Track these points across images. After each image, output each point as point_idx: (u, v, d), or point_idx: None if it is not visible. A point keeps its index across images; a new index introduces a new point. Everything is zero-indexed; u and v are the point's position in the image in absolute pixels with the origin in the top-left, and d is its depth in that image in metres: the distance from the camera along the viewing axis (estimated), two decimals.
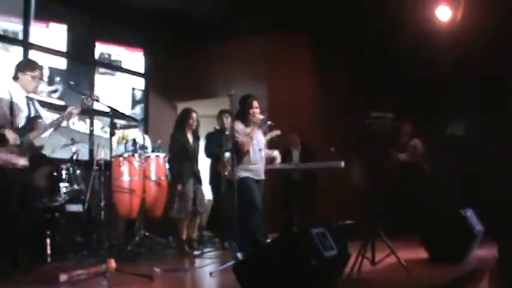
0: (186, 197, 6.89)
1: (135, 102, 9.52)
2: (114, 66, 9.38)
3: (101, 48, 9.08)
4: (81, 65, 8.64)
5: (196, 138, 7.19)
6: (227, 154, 7.27)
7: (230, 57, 9.72)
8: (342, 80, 9.34)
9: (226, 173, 7.34)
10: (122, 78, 9.30)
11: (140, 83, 9.82)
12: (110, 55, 9.11)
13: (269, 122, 5.89)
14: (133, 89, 9.47)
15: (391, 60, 9.06)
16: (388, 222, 5.76)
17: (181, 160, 6.97)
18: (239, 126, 5.75)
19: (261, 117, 5.76)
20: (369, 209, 5.76)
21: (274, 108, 6.14)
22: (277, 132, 6.68)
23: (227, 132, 7.35)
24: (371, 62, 9.21)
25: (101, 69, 8.98)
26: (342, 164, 7.27)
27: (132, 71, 9.77)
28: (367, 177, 7.44)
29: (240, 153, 5.68)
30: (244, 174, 5.66)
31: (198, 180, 7.12)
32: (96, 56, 8.97)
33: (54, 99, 7.99)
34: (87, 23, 8.70)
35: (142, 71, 9.89)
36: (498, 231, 4.99)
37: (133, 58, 9.69)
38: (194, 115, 7.09)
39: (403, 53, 8.61)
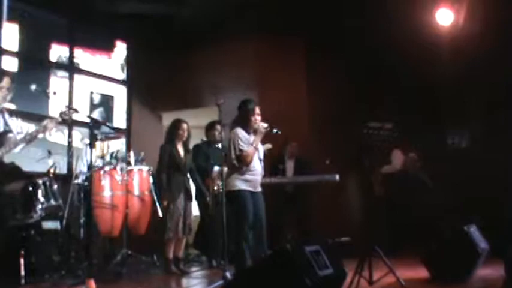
0: (176, 214, 6.81)
1: (93, 106, 9.36)
2: (93, 73, 9.32)
3: (66, 52, 8.96)
4: (35, 67, 8.45)
5: (187, 151, 7.11)
6: (216, 168, 7.23)
7: (218, 64, 9.72)
8: (339, 87, 9.34)
9: (215, 188, 7.29)
10: (80, 81, 9.14)
11: (106, 88, 9.72)
12: (68, 57, 8.95)
13: (276, 131, 5.71)
14: (91, 92, 9.33)
15: (389, 67, 9.06)
16: (386, 239, 5.86)
17: (171, 174, 6.91)
18: (242, 133, 5.66)
19: (265, 125, 5.67)
20: (365, 224, 5.74)
21: (266, 118, 5.85)
22: (268, 146, 6.66)
23: (218, 145, 7.28)
24: (369, 69, 9.21)
25: (59, 73, 8.82)
26: (337, 177, 7.28)
27: (113, 78, 9.76)
28: (362, 191, 7.41)
29: (240, 163, 5.60)
30: (240, 185, 5.58)
31: (188, 197, 7.05)
32: (54, 58, 8.80)
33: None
34: (48, 23, 8.59)
35: (123, 77, 9.90)
36: (504, 248, 4.91)
37: (110, 63, 9.65)
38: (185, 126, 7.01)
39: (403, 60, 8.63)
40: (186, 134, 6.97)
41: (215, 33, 9.30)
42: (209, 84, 9.80)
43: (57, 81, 8.77)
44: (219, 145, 7.15)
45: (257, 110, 5.69)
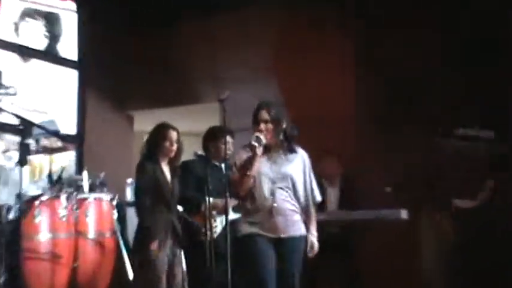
0: (158, 271, 6.05)
1: None
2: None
3: None
4: None
5: (176, 173, 6.43)
6: (212, 200, 6.32)
7: (220, 42, 9.18)
8: (406, 78, 8.18)
9: (214, 231, 6.47)
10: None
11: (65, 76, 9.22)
12: None
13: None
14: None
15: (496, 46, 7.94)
16: None
17: (152, 207, 6.14)
18: (242, 153, 5.31)
19: (253, 138, 5.20)
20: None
21: (293, 121, 5.44)
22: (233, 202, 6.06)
23: (220, 164, 6.66)
24: (462, 50, 8.12)
25: None
26: (405, 213, 6.52)
27: (58, 58, 9.03)
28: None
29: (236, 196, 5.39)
30: (245, 228, 5.22)
31: (178, 243, 6.26)
32: None
33: None
34: None
35: (74, 57, 9.26)
36: None
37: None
38: (174, 135, 6.24)
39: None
40: (175, 148, 6.24)
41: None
42: (207, 71, 9.32)
43: None
44: (222, 164, 6.57)
45: (262, 114, 5.31)
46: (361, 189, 7.73)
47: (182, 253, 6.53)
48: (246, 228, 5.26)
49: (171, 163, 6.44)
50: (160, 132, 6.37)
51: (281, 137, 5.29)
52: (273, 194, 5.23)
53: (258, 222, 5.24)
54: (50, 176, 6.84)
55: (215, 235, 6.33)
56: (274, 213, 5.23)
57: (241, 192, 5.30)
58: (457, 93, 8.10)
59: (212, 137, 6.99)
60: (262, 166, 5.31)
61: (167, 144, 6.28)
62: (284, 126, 5.30)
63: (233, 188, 5.36)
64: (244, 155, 5.32)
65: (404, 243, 7.67)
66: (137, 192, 6.40)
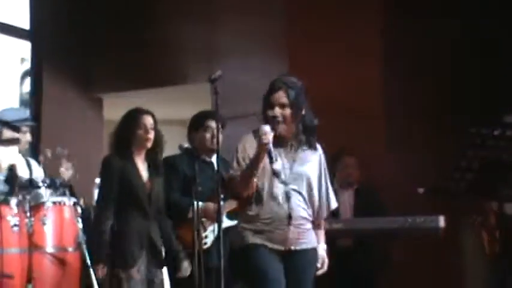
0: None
1: None
2: None
3: None
4: None
5: (156, 170, 6.04)
6: (201, 204, 5.97)
7: (211, 8, 8.63)
8: (442, 63, 7.87)
9: (205, 242, 6.11)
10: None
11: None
12: None
13: (273, 158, 4.86)
14: None
15: None
16: None
17: (124, 215, 5.86)
18: (249, 147, 4.90)
19: (266, 130, 4.80)
20: None
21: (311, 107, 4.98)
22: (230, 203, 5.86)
23: (211, 159, 6.27)
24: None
25: None
26: (441, 221, 6.15)
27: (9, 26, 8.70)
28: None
29: (233, 197, 5.24)
30: (249, 237, 4.84)
31: (155, 257, 5.89)
32: None
33: None
34: None
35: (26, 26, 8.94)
36: None
37: None
38: (148, 120, 5.84)
39: None
40: (151, 136, 5.83)
41: None
42: (194, 44, 8.83)
43: None
44: (213, 158, 6.18)
45: (279, 96, 4.88)
46: (377, 193, 7.34)
47: (165, 275, 6.15)
48: (249, 237, 4.80)
49: (150, 158, 5.99)
50: (131, 119, 5.92)
51: (300, 127, 4.78)
52: (288, 198, 4.73)
53: (265, 231, 4.78)
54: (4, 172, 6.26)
55: (205, 247, 5.84)
56: (287, 221, 4.78)
57: (244, 193, 4.84)
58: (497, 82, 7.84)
59: (197, 126, 6.41)
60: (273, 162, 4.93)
61: (141, 131, 5.81)
62: (304, 113, 4.78)
63: (233, 188, 4.94)
64: (248, 144, 4.90)
65: (441, 257, 7.27)
66: (98, 195, 6.07)
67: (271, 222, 4.79)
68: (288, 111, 4.72)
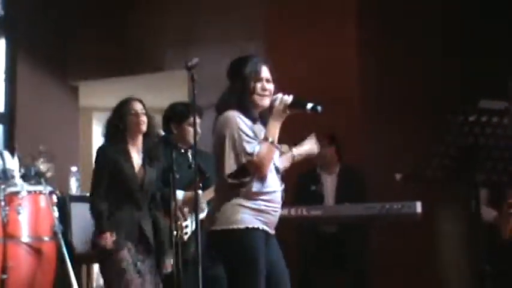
0: (121, 261, 5.76)
1: None
2: None
3: None
4: None
5: (151, 159, 6.14)
6: (181, 193, 6.07)
7: None
8: (421, 45, 8.00)
9: (185, 232, 6.14)
10: None
11: None
12: None
13: (313, 106, 4.74)
14: None
15: None
16: None
17: (116, 201, 5.89)
18: (243, 121, 4.75)
19: (288, 99, 4.68)
20: None
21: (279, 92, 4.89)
22: (285, 148, 5.42)
23: (187, 149, 6.31)
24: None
25: None
26: (418, 207, 6.17)
27: None
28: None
29: (247, 179, 4.71)
30: (247, 219, 4.63)
31: (145, 246, 5.91)
32: None
33: None
34: None
35: None
36: None
37: None
38: (139, 106, 6.01)
39: None
40: (144, 119, 5.98)
41: None
42: (171, 31, 8.90)
43: None
44: (189, 150, 6.31)
45: (264, 72, 4.81)
46: (364, 175, 7.34)
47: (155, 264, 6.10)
48: (249, 218, 4.65)
49: (147, 145, 6.06)
50: (121, 107, 5.99)
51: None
52: (277, 170, 4.76)
53: (263, 213, 4.69)
54: None
55: (186, 236, 5.93)
56: (274, 201, 4.75)
57: (266, 171, 4.71)
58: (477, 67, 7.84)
59: (181, 118, 6.41)
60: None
61: (131, 117, 5.89)
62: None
63: (259, 168, 4.72)
64: (241, 125, 4.73)
65: (418, 241, 7.34)
66: (92, 185, 6.02)
67: (270, 199, 4.73)
68: (271, 87, 4.77)
